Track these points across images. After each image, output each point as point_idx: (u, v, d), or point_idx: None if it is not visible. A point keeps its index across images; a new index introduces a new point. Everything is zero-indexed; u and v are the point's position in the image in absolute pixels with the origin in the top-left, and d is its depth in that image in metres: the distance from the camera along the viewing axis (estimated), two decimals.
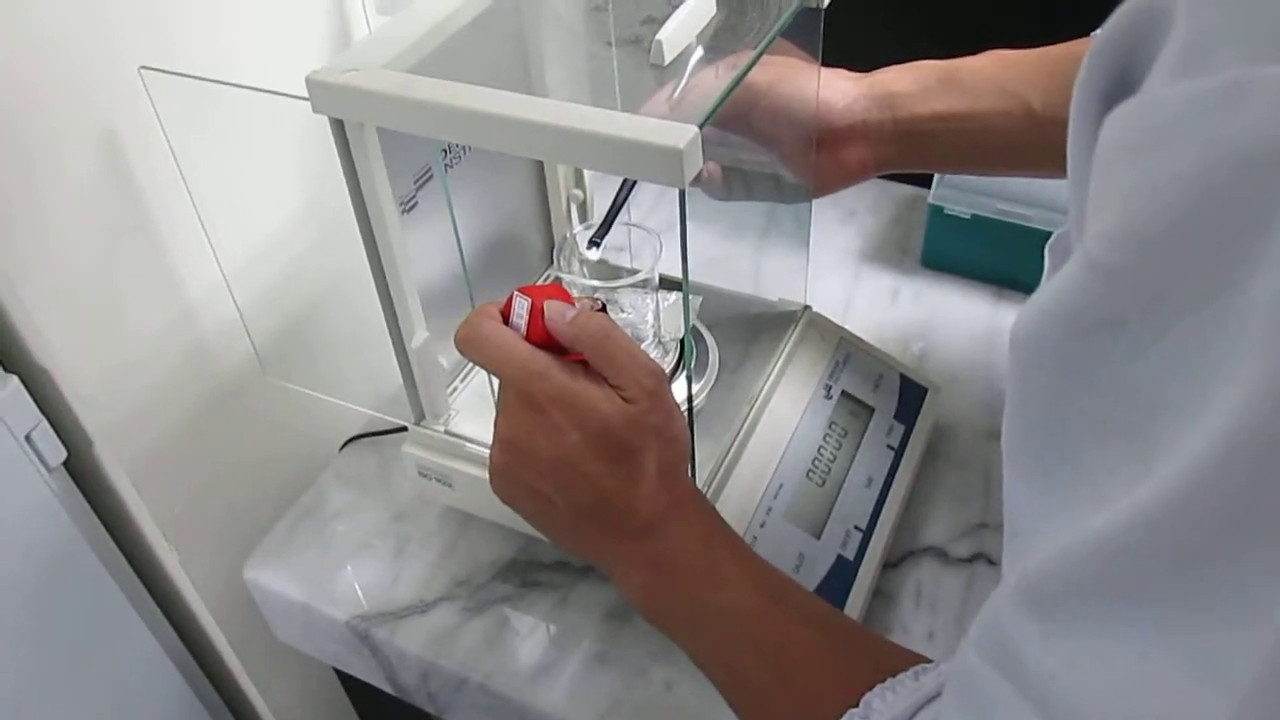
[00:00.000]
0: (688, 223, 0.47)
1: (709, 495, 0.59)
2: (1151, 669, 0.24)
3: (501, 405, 0.49)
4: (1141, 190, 0.24)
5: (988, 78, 0.60)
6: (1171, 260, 0.23)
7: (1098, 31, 0.59)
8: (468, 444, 0.62)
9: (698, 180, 0.66)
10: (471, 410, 0.64)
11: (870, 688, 0.39)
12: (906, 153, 0.62)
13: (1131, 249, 0.24)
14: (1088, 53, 0.28)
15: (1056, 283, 0.26)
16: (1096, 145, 0.26)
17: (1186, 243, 0.23)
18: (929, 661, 0.41)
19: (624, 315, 0.63)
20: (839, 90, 0.62)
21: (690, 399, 0.57)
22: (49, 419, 0.58)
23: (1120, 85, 0.27)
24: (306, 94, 0.48)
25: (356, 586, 0.67)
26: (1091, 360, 0.26)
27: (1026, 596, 0.28)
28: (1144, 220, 0.24)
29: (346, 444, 0.76)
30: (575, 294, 0.60)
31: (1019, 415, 0.30)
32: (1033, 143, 0.59)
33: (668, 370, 0.64)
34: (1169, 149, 0.23)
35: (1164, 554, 0.24)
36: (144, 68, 0.54)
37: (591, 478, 0.46)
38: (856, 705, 0.39)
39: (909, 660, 0.41)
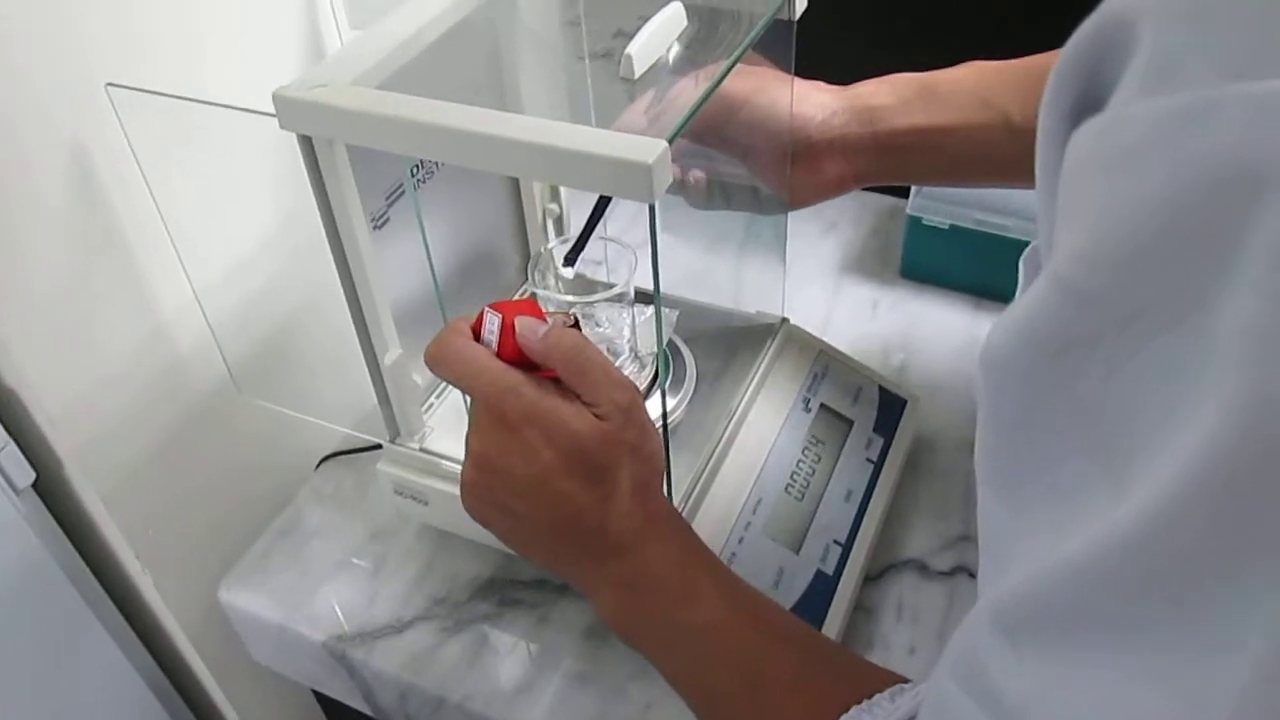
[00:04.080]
0: (664, 236, 0.46)
1: (686, 511, 0.59)
2: (1127, 697, 0.24)
3: (473, 423, 0.48)
4: (1110, 210, 0.23)
5: (967, 90, 0.60)
6: (1142, 281, 0.23)
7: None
8: (443, 461, 0.61)
9: (681, 188, 0.66)
10: (447, 427, 0.64)
11: (847, 709, 0.39)
12: (885, 167, 0.62)
13: (1102, 269, 0.24)
14: (1053, 69, 0.28)
15: (1026, 302, 0.26)
16: (1063, 163, 0.26)
17: (1157, 263, 0.23)
18: (907, 682, 0.41)
19: (600, 330, 0.63)
20: (817, 104, 0.61)
21: (665, 414, 0.56)
22: (16, 440, 0.57)
23: (1086, 101, 0.27)
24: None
25: (334, 606, 0.66)
26: (1063, 380, 0.25)
27: (1000, 621, 0.27)
28: (1114, 241, 0.23)
29: (323, 462, 0.75)
30: (550, 309, 0.60)
31: (991, 435, 0.29)
32: (1012, 155, 0.59)
33: (644, 385, 0.63)
34: (1138, 168, 0.23)
35: (1139, 579, 0.23)
36: (110, 84, 0.54)
37: (564, 496, 0.46)
38: None
39: (887, 681, 0.41)
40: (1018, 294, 0.40)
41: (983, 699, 0.28)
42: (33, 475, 0.58)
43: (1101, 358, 0.24)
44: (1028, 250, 0.37)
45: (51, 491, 0.61)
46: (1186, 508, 0.22)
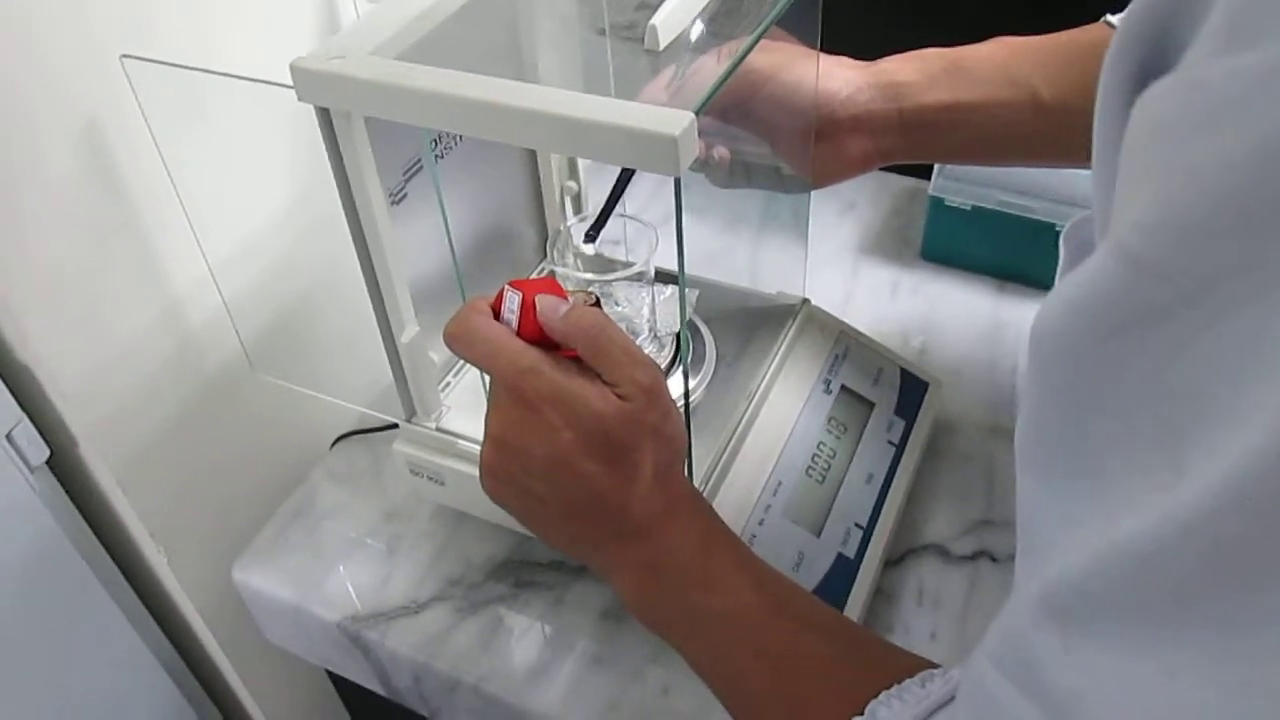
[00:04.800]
0: (684, 215, 0.45)
1: (706, 493, 0.58)
2: (1180, 689, 0.23)
3: (492, 403, 0.48)
4: (1181, 173, 0.22)
5: (994, 66, 0.59)
6: (1215, 250, 0.22)
7: (1109, 16, 0.58)
8: (460, 441, 0.60)
9: (705, 165, 0.65)
10: (464, 406, 0.63)
11: (875, 695, 0.38)
12: (911, 144, 0.61)
13: (1169, 237, 0.22)
14: (1118, 27, 0.27)
15: (1082, 275, 0.25)
16: (1128, 127, 0.25)
17: (1232, 231, 0.21)
18: (936, 667, 0.40)
19: (619, 309, 0.62)
20: (842, 80, 0.60)
21: (687, 394, 0.55)
22: (31, 417, 0.57)
23: (1153, 63, 0.25)
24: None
25: (348, 587, 0.66)
26: (1122, 359, 0.24)
27: (1046, 608, 0.26)
28: (1184, 206, 0.22)
29: (337, 441, 0.75)
30: (569, 287, 0.59)
31: (1038, 417, 0.28)
32: (1040, 132, 0.58)
33: (664, 365, 0.63)
34: (1214, 130, 0.22)
35: (1198, 564, 0.22)
36: (125, 56, 0.53)
37: (585, 478, 0.45)
38: (861, 713, 0.38)
39: (915, 666, 0.40)
40: (1059, 272, 0.38)
41: (1028, 686, 0.27)
42: (47, 452, 0.58)
43: (1165, 335, 0.23)
44: (1069, 225, 0.36)
45: (66, 469, 0.60)
46: (1254, 493, 0.21)
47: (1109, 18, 0.58)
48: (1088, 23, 0.59)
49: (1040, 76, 0.58)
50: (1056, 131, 0.58)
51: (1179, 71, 0.23)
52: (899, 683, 0.38)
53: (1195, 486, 0.22)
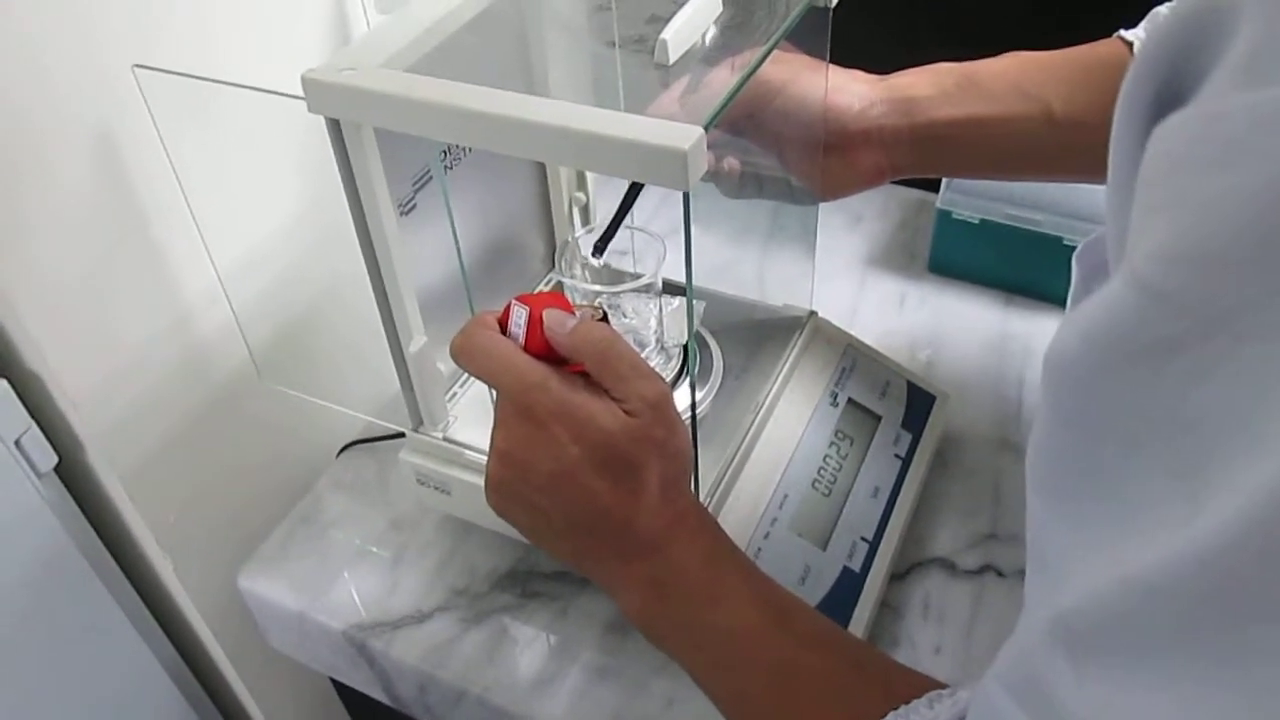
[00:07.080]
0: (692, 227, 0.45)
1: (712, 505, 0.58)
2: None
3: (499, 418, 0.48)
4: (1198, 205, 0.22)
5: (1007, 81, 0.59)
6: (1232, 284, 0.22)
7: (1122, 31, 0.58)
8: (467, 451, 0.60)
9: (715, 175, 0.65)
10: (471, 417, 0.63)
11: (882, 715, 0.38)
12: (923, 159, 0.61)
13: (1186, 270, 0.22)
14: (1135, 57, 0.27)
15: (1097, 303, 0.25)
16: (1144, 157, 0.25)
17: (1250, 266, 0.21)
18: (943, 687, 0.40)
19: (626, 320, 0.62)
20: (854, 94, 0.60)
21: (694, 406, 0.55)
22: (39, 424, 0.57)
23: (1172, 92, 0.25)
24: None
25: (353, 595, 0.66)
26: (1137, 388, 0.24)
27: (1059, 636, 0.26)
28: (1201, 238, 0.22)
29: (344, 450, 0.75)
30: (577, 298, 0.59)
31: (1051, 443, 0.28)
32: (1053, 147, 0.58)
33: (671, 377, 0.63)
34: (1233, 164, 0.21)
35: (1215, 598, 0.22)
36: (138, 66, 0.53)
37: (591, 493, 0.45)
38: None
39: (922, 685, 0.40)
40: (1071, 292, 0.38)
41: (1039, 713, 0.27)
42: (55, 459, 0.58)
43: (1182, 365, 0.23)
44: (1082, 245, 0.36)
45: (73, 476, 0.60)
46: (1271, 527, 0.20)
47: (1122, 33, 0.58)
48: (1101, 38, 0.59)
49: (1053, 91, 0.58)
50: (1069, 147, 0.58)
51: (1197, 104, 0.23)
52: (906, 703, 0.38)
53: (1212, 520, 0.22)
